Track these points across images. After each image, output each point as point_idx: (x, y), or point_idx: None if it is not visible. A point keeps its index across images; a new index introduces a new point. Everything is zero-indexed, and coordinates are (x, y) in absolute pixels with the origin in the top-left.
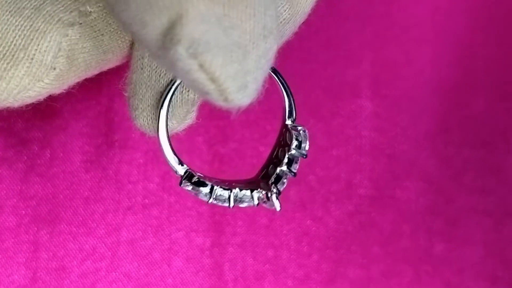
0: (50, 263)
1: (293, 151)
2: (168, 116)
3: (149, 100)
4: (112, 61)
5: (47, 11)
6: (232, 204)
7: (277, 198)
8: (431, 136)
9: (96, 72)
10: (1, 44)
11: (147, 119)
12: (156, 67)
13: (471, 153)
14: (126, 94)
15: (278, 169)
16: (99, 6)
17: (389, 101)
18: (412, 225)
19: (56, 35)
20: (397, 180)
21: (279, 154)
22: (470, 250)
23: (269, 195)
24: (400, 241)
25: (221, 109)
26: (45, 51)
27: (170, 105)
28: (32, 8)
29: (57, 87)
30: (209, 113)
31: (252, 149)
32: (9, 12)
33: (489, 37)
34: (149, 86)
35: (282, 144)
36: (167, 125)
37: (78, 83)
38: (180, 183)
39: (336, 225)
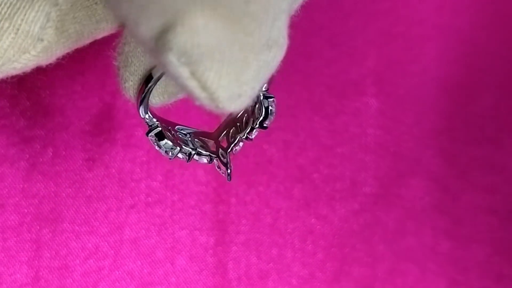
0: (52, 262)
1: (257, 124)
2: (160, 91)
3: (141, 74)
4: (106, 29)
5: None
6: (189, 161)
7: (229, 174)
8: (436, 133)
9: (88, 41)
10: None
11: (137, 92)
12: None
13: (477, 151)
14: (116, 64)
15: (238, 136)
16: None
17: (394, 99)
18: (417, 223)
19: (45, 5)
20: (402, 178)
21: (243, 118)
22: (476, 249)
23: (225, 167)
24: (405, 239)
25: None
26: (32, 21)
27: (163, 81)
28: None
29: (45, 59)
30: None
31: (255, 147)
32: None
33: (494, 34)
34: (142, 61)
35: (249, 110)
36: (148, 95)
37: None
38: (147, 134)
39: (340, 224)
